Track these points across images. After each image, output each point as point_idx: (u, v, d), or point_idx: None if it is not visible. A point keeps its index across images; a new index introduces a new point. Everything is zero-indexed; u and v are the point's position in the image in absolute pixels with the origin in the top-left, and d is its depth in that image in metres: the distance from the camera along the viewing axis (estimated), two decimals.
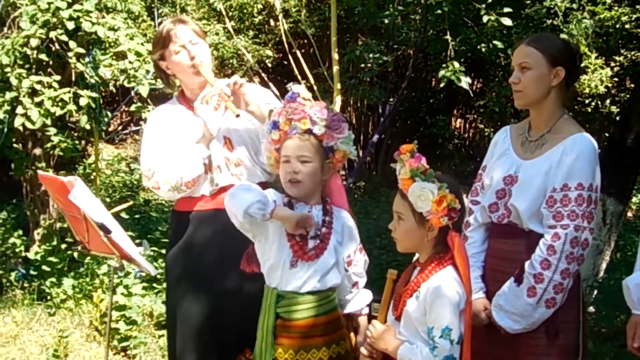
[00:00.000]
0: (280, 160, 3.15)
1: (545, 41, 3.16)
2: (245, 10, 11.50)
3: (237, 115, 3.38)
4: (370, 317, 3.17)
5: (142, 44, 6.74)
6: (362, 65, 8.66)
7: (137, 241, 5.22)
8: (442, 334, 2.63)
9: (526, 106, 3.18)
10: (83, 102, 6.27)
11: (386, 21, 8.67)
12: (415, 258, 2.91)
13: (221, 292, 3.47)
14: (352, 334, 3.26)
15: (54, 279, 6.57)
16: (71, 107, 6.25)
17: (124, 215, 7.60)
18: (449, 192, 2.69)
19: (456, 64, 6.51)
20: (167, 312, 3.77)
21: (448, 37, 7.08)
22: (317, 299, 3.06)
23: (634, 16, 10.61)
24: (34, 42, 6.23)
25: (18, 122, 6.14)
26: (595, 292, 6.10)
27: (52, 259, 6.72)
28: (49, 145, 6.66)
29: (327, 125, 3.14)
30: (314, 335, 3.05)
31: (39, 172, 4.03)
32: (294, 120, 3.12)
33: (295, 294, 3.05)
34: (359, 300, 3.26)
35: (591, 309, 5.86)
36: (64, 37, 6.28)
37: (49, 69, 6.52)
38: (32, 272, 6.75)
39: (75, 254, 6.79)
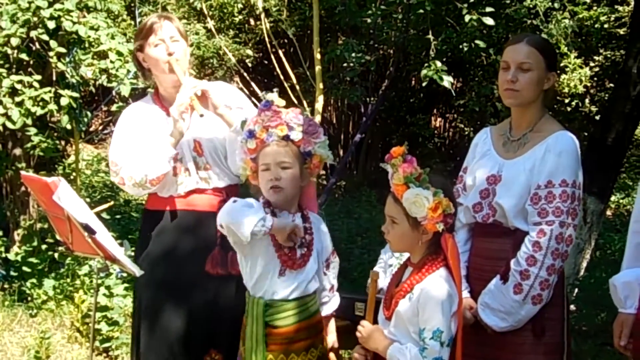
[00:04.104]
0: (258, 170, 3.13)
1: (544, 44, 3.16)
2: (225, 10, 11.46)
3: (201, 115, 3.40)
4: (357, 317, 3.18)
5: (123, 43, 6.71)
6: (344, 64, 8.64)
7: (118, 241, 5.17)
8: (433, 336, 2.63)
9: (517, 106, 3.15)
10: (64, 101, 6.23)
11: (369, 20, 8.66)
12: (406, 257, 2.91)
13: (191, 294, 3.51)
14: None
15: (34, 280, 6.53)
16: (52, 106, 6.20)
17: (104, 215, 7.55)
18: (444, 197, 2.68)
19: (438, 63, 6.52)
20: (135, 306, 3.77)
21: (430, 36, 7.09)
22: (300, 304, 3.08)
23: (613, 16, 10.73)
24: (14, 42, 6.17)
25: None
26: (576, 290, 6.14)
27: (33, 259, 6.67)
28: (29, 145, 6.61)
29: (304, 130, 3.14)
30: (298, 339, 3.07)
31: (22, 172, 3.99)
32: (271, 128, 3.11)
33: (284, 301, 3.06)
34: (333, 303, 3.33)
35: (572, 307, 5.89)
36: (45, 37, 6.23)
37: (30, 69, 6.48)
38: (12, 273, 6.70)
39: (56, 255, 6.75)
